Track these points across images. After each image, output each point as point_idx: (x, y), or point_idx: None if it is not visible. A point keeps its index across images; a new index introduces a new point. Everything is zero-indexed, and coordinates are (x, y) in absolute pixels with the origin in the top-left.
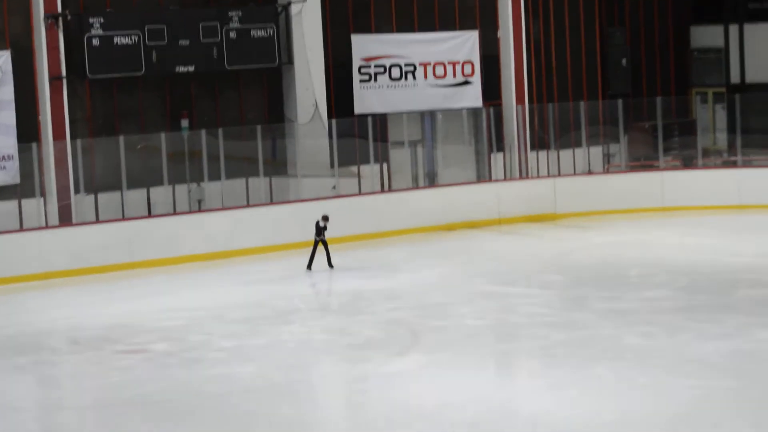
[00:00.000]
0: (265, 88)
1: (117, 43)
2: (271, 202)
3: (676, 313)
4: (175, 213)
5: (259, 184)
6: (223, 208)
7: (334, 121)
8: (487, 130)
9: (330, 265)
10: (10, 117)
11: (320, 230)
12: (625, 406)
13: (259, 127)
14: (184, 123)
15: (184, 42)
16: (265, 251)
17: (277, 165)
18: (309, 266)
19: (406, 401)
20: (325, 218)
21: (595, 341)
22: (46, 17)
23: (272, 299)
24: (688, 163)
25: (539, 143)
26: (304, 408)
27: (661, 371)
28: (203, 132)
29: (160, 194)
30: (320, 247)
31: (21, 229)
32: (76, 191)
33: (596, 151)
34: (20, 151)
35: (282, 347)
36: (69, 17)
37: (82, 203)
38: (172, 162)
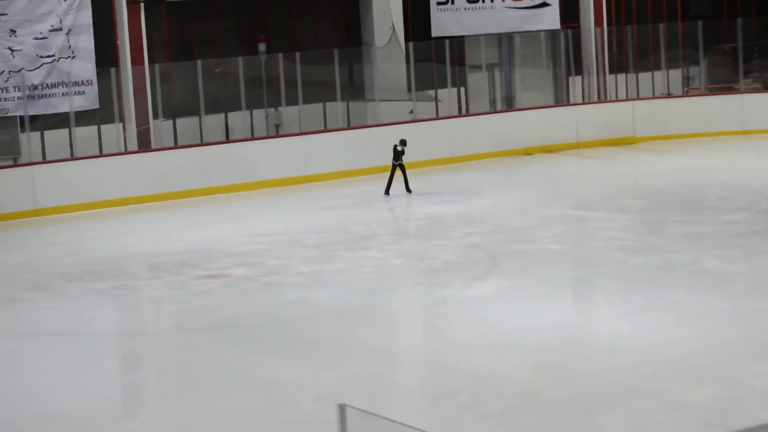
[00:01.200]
0: (342, 12)
1: None
2: (349, 127)
3: (756, 237)
4: (252, 138)
5: (336, 108)
6: (301, 133)
7: (411, 45)
8: (565, 53)
9: (408, 189)
10: (88, 42)
11: (398, 155)
12: (704, 330)
13: (336, 51)
14: (262, 47)
15: None
16: (342, 176)
17: (355, 89)
18: (387, 191)
19: (484, 325)
20: (403, 143)
21: (674, 265)
22: None
23: (350, 224)
24: None
25: (618, 66)
26: (382, 332)
27: (741, 295)
28: (280, 56)
29: (238, 119)
30: (398, 172)
31: (100, 154)
32: (155, 116)
33: (675, 74)
34: (99, 76)
35: (360, 272)
36: None
37: (160, 128)
38: (250, 87)
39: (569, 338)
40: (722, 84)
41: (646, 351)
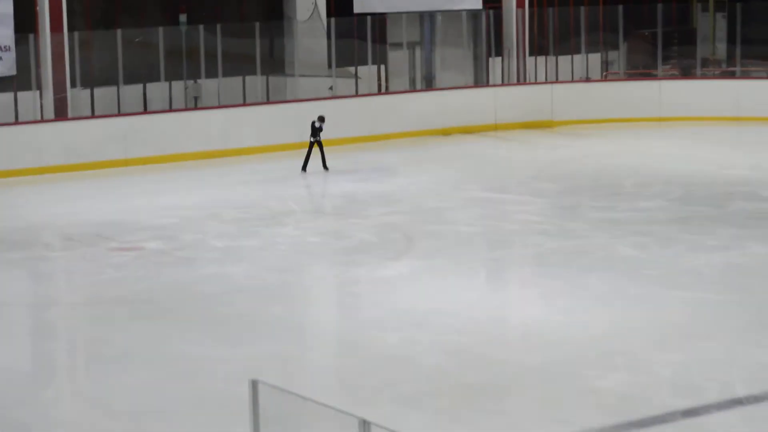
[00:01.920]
0: None
1: None
2: (268, 102)
3: (670, 225)
4: (171, 110)
5: (256, 82)
6: (220, 107)
7: (332, 20)
8: (486, 33)
9: (325, 167)
10: (7, 6)
11: (316, 131)
12: (617, 316)
13: (257, 25)
14: (183, 18)
15: None
16: (260, 151)
17: (275, 64)
18: (304, 168)
19: (397, 306)
20: (321, 119)
21: (588, 251)
22: None
23: (267, 200)
24: (687, 73)
25: (538, 49)
26: (296, 309)
27: (654, 282)
28: (201, 28)
29: (157, 90)
30: (315, 149)
31: (16, 122)
32: (73, 85)
33: (595, 58)
34: (17, 42)
35: (275, 249)
36: None
37: (78, 97)
38: (169, 58)
39: (482, 321)
40: (641, 69)
41: (558, 335)
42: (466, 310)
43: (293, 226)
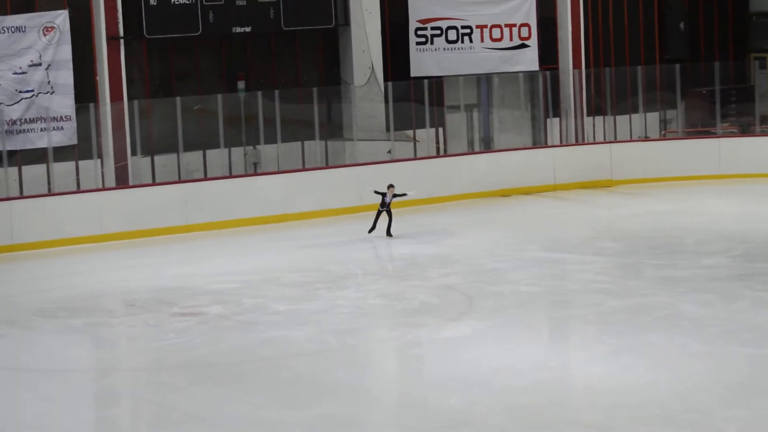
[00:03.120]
0: (322, 50)
1: (174, 2)
2: (327, 166)
3: (733, 281)
4: (230, 176)
5: (314, 147)
6: (279, 172)
7: (390, 84)
8: (544, 94)
9: (389, 233)
10: (67, 77)
11: (384, 200)
12: (681, 374)
13: (315, 90)
14: (241, 85)
15: (241, 2)
16: (319, 215)
17: (333, 128)
18: (371, 230)
19: (460, 367)
20: (390, 187)
21: (650, 309)
22: None
23: (327, 263)
24: (746, 130)
25: (596, 108)
26: (359, 373)
27: (717, 339)
28: (259, 94)
29: (216, 157)
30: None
31: (78, 190)
32: (133, 153)
33: (653, 117)
34: (78, 111)
35: (336, 312)
36: None
37: (138, 165)
38: (229, 124)
39: (544, 380)
40: (699, 127)
41: (622, 394)
42: (529, 370)
43: (354, 288)
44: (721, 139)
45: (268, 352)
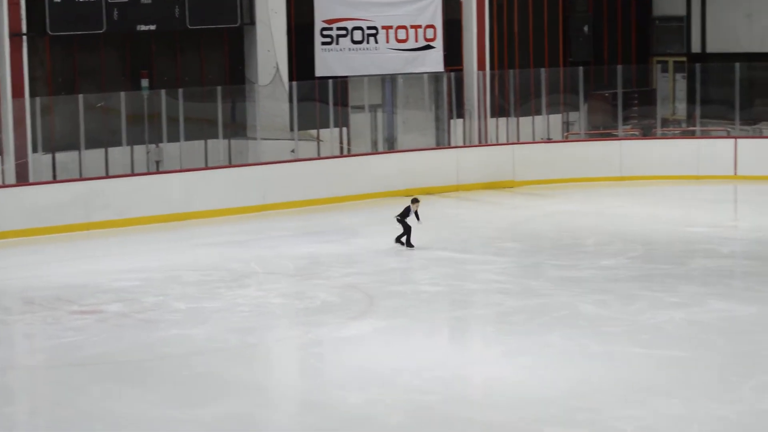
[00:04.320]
0: (226, 49)
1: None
2: (230, 165)
3: (632, 282)
4: (132, 174)
5: (218, 146)
6: (181, 170)
7: (294, 84)
8: (448, 95)
9: (405, 243)
10: None
11: (407, 213)
12: (579, 374)
13: (219, 89)
14: (144, 83)
15: (146, 0)
16: (222, 214)
17: (237, 127)
18: (409, 244)
19: (360, 366)
20: (415, 201)
21: (550, 309)
22: None
23: (228, 262)
24: (647, 133)
25: (499, 110)
26: (258, 370)
27: (616, 340)
28: (163, 92)
29: (119, 155)
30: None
31: None
32: (34, 150)
33: (555, 119)
34: None
35: (237, 310)
36: None
37: (39, 162)
38: (131, 122)
39: (444, 379)
40: (601, 130)
41: (521, 393)
42: (429, 369)
43: (255, 287)
44: (622, 141)
45: (168, 350)
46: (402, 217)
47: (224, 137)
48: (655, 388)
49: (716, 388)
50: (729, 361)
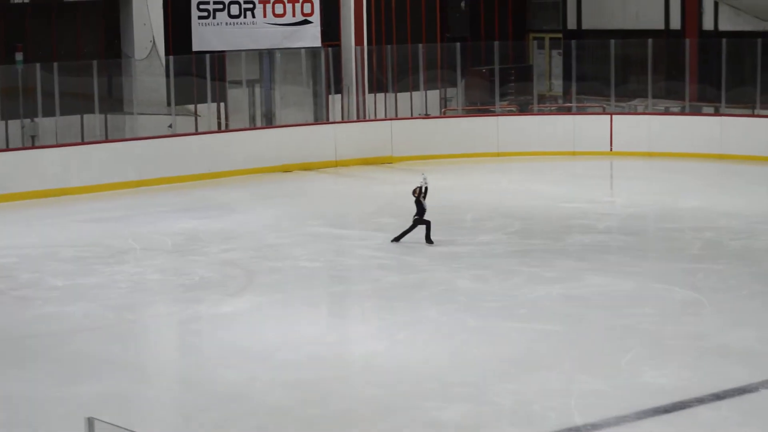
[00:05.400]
0: (103, 23)
1: None
2: (107, 140)
3: (509, 257)
4: (7, 149)
5: (94, 121)
6: (57, 145)
7: (171, 58)
8: (326, 70)
9: (427, 239)
10: None
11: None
12: (457, 348)
13: (95, 63)
14: (19, 56)
15: None
16: (99, 189)
17: (113, 102)
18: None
19: (239, 342)
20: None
21: (428, 284)
22: None
23: (105, 238)
24: (524, 109)
25: (377, 85)
26: (135, 347)
27: (493, 314)
28: (38, 66)
29: None
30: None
31: None
32: None
33: (433, 95)
34: None
35: (114, 287)
36: None
37: None
38: (6, 96)
39: (323, 355)
40: (479, 106)
41: (400, 368)
42: (307, 345)
43: (133, 263)
44: (499, 117)
45: (44, 327)
46: (420, 216)
47: (101, 112)
48: (533, 362)
49: (593, 362)
50: (606, 336)
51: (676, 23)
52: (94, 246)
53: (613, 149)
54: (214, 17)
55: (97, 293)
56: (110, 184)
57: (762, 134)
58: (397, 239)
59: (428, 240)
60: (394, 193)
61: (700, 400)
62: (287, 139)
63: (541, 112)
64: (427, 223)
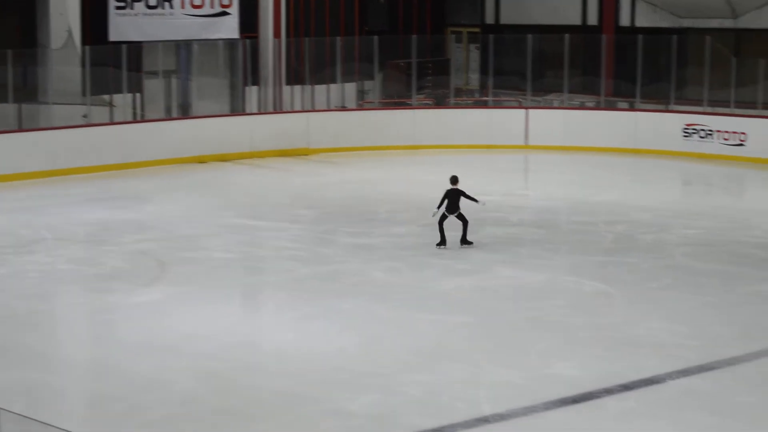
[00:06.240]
0: (18, 12)
1: None
2: (20, 129)
3: (422, 249)
4: None
5: (8, 110)
6: None
7: (87, 48)
8: (243, 62)
9: (462, 240)
10: None
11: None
12: (368, 339)
13: (9, 52)
14: None
15: None
16: (12, 179)
17: (28, 91)
18: (466, 241)
19: (151, 332)
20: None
21: (341, 276)
22: None
23: (17, 227)
24: (441, 102)
25: (294, 78)
26: (46, 338)
27: (405, 306)
28: None
29: None
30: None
31: None
32: None
33: (351, 87)
34: None
35: (25, 277)
36: None
37: None
38: None
39: (235, 346)
40: (396, 99)
41: (311, 359)
42: (220, 335)
43: (44, 253)
44: (416, 110)
45: None
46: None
47: (15, 101)
48: (444, 353)
49: (504, 354)
50: (516, 327)
51: (593, 19)
52: (5, 235)
53: (528, 142)
54: (131, 8)
55: (8, 283)
56: (23, 173)
57: (676, 130)
58: (466, 242)
59: (465, 240)
60: (309, 184)
61: (609, 391)
62: (203, 130)
63: (457, 106)
64: (467, 222)
